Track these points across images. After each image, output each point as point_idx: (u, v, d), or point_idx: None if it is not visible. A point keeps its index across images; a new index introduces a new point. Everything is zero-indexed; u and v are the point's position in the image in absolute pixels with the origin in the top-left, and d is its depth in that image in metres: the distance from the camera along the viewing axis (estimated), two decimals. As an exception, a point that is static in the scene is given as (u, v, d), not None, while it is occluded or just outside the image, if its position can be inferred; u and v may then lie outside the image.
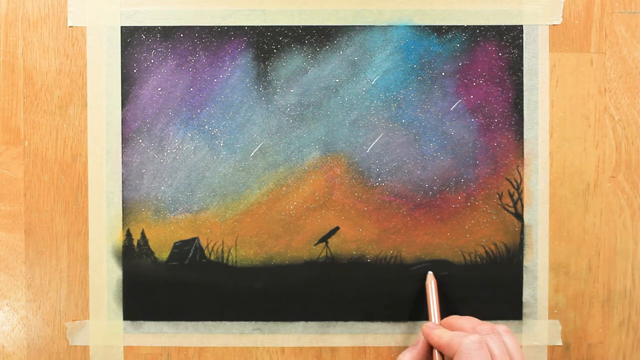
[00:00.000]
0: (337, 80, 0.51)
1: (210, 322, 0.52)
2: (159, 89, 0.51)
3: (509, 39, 0.51)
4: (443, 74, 0.51)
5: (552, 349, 0.51)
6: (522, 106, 0.51)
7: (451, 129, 0.51)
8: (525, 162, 0.51)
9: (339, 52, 0.51)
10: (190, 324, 0.52)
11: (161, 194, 0.51)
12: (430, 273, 0.50)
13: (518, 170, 0.51)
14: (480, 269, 0.51)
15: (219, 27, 0.51)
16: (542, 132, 0.51)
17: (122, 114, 0.51)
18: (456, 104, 0.51)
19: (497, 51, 0.51)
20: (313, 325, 0.52)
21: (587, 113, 0.51)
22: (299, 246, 0.51)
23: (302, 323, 0.52)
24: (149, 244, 0.51)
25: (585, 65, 0.51)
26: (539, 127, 0.51)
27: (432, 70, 0.51)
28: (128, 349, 0.52)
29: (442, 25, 0.51)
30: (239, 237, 0.51)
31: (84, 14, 0.51)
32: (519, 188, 0.51)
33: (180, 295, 0.51)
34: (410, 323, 0.51)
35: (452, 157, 0.51)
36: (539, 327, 0.51)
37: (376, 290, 0.51)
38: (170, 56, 0.51)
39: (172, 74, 0.51)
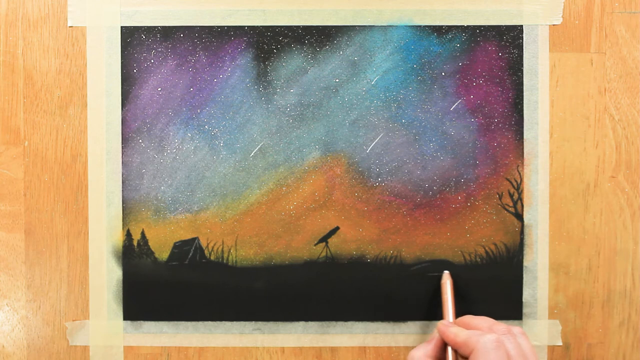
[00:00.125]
0: (337, 80, 0.51)
1: (210, 322, 0.52)
2: (159, 89, 0.51)
3: (509, 39, 0.51)
4: (443, 74, 0.51)
5: (552, 349, 0.51)
6: (522, 106, 0.51)
7: (451, 129, 0.51)
8: (525, 162, 0.51)
9: (339, 52, 0.51)
10: (190, 324, 0.52)
11: (161, 194, 0.51)
12: (446, 272, 0.50)
13: (518, 170, 0.51)
14: (480, 269, 0.51)
15: (219, 27, 0.51)
16: (542, 132, 0.51)
17: (122, 114, 0.51)
18: (456, 104, 0.51)
19: (497, 51, 0.51)
20: (313, 325, 0.52)
21: (587, 113, 0.51)
22: (299, 246, 0.51)
23: (302, 323, 0.52)
24: (149, 244, 0.51)
25: (585, 65, 0.51)
26: (539, 127, 0.51)
27: (432, 70, 0.51)
28: (128, 349, 0.52)
29: (442, 25, 0.51)
30: (239, 237, 0.51)
31: (84, 14, 0.51)
32: (519, 188, 0.51)
33: (180, 295, 0.51)
34: (410, 323, 0.51)
35: (452, 157, 0.51)
36: (539, 327, 0.51)
37: (376, 290, 0.51)
38: (170, 56, 0.51)
39: (172, 74, 0.51)
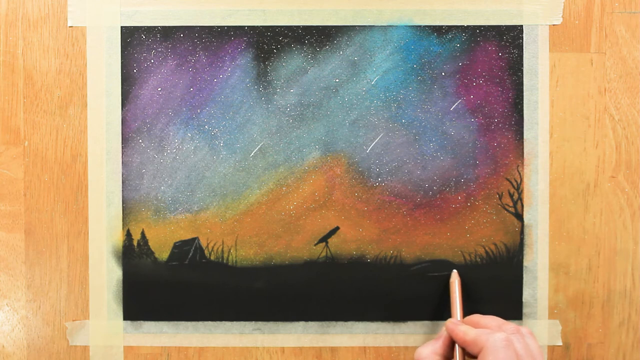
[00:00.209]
0: (337, 80, 0.51)
1: (210, 322, 0.52)
2: (159, 89, 0.51)
3: (509, 39, 0.51)
4: (443, 74, 0.51)
5: (552, 349, 0.51)
6: (522, 106, 0.51)
7: (451, 129, 0.51)
8: (525, 162, 0.51)
9: (339, 52, 0.51)
10: (190, 324, 0.52)
11: (161, 194, 0.51)
12: (455, 271, 0.50)
13: (518, 170, 0.51)
14: (480, 269, 0.51)
15: (219, 27, 0.51)
16: (542, 132, 0.51)
17: (122, 114, 0.51)
18: (456, 104, 0.51)
19: (497, 51, 0.51)
20: (313, 325, 0.52)
21: (587, 113, 0.51)
22: (299, 246, 0.51)
23: (302, 323, 0.52)
24: (149, 244, 0.51)
25: (585, 65, 0.51)
26: (539, 127, 0.51)
27: (432, 70, 0.51)
28: (128, 349, 0.52)
29: (442, 25, 0.51)
30: (239, 237, 0.51)
31: (84, 14, 0.51)
32: (519, 188, 0.51)
33: (180, 295, 0.51)
34: (410, 323, 0.51)
35: (452, 157, 0.51)
36: (539, 327, 0.51)
37: (376, 290, 0.51)
38: (170, 56, 0.51)
39: (172, 74, 0.51)
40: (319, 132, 0.51)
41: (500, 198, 0.51)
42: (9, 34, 0.51)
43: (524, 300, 0.51)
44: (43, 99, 0.51)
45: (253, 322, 0.52)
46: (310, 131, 0.51)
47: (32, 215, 0.52)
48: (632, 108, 0.51)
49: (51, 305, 0.52)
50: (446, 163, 0.51)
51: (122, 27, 0.51)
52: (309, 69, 0.51)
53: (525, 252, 0.51)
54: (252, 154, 0.51)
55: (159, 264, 0.51)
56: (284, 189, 0.51)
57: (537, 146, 0.51)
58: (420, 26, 0.51)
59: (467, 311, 0.49)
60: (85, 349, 0.52)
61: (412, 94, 0.51)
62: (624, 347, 0.51)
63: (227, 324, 0.52)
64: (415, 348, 0.49)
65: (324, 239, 0.51)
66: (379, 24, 0.51)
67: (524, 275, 0.51)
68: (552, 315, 0.51)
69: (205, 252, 0.51)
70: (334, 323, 0.52)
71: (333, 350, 0.52)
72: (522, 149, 0.51)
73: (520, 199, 0.51)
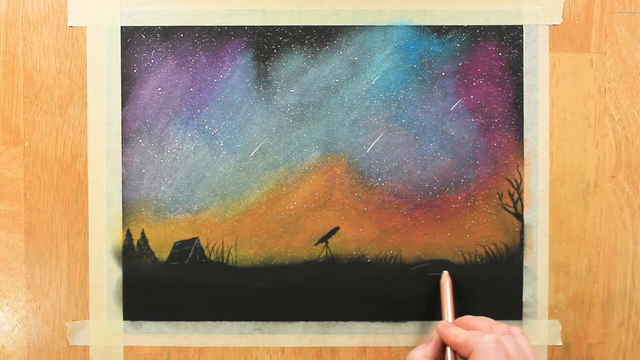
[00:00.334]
0: (337, 80, 0.51)
1: (210, 322, 0.52)
2: (159, 89, 0.51)
3: (509, 39, 0.51)
4: (443, 74, 0.51)
5: (552, 349, 0.51)
6: (522, 106, 0.51)
7: (451, 129, 0.51)
8: (525, 162, 0.51)
9: (339, 52, 0.51)
10: (190, 324, 0.52)
11: (161, 194, 0.51)
12: (445, 272, 0.50)
13: (518, 170, 0.51)
14: (480, 269, 0.51)
15: (219, 27, 0.51)
16: (542, 132, 0.51)
17: (122, 114, 0.51)
18: (456, 104, 0.51)
19: (497, 51, 0.51)
20: (313, 325, 0.52)
21: (587, 113, 0.51)
22: (299, 246, 0.51)
23: (302, 323, 0.52)
24: (149, 244, 0.51)
25: (585, 65, 0.51)
26: (539, 127, 0.51)
27: (432, 70, 0.51)
28: (128, 349, 0.52)
29: (442, 25, 0.51)
30: (239, 237, 0.51)
31: (84, 14, 0.51)
32: (519, 188, 0.51)
33: (180, 295, 0.51)
34: (410, 323, 0.51)
35: (452, 157, 0.51)
36: (539, 327, 0.51)
37: (376, 290, 0.51)
38: (170, 56, 0.51)
39: (172, 74, 0.51)
40: (319, 132, 0.51)
41: (500, 198, 0.51)
42: (9, 34, 0.51)
43: (524, 300, 0.51)
44: (43, 99, 0.51)
45: (253, 322, 0.52)
46: (310, 131, 0.51)
47: (32, 215, 0.52)
48: (632, 108, 0.51)
49: (51, 305, 0.52)
50: (446, 163, 0.51)
51: (122, 27, 0.51)
52: (309, 69, 0.51)
53: (525, 252, 0.51)
54: (252, 154, 0.51)
55: (159, 264, 0.51)
56: (284, 189, 0.51)
57: (537, 146, 0.51)
58: (420, 26, 0.51)
59: (467, 311, 0.49)
60: (85, 349, 0.52)
61: (412, 94, 0.51)
62: (624, 347, 0.51)
63: (227, 324, 0.52)
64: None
65: (324, 239, 0.51)
66: (379, 24, 0.51)
67: (524, 275, 0.51)
68: (552, 315, 0.51)
69: (205, 252, 0.51)
70: (334, 323, 0.52)
71: (333, 350, 0.52)
72: (522, 149, 0.51)
73: (520, 199, 0.51)
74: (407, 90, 0.51)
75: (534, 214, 0.51)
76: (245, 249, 0.51)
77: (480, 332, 0.44)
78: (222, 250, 0.51)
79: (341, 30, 0.51)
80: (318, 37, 0.51)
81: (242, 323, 0.52)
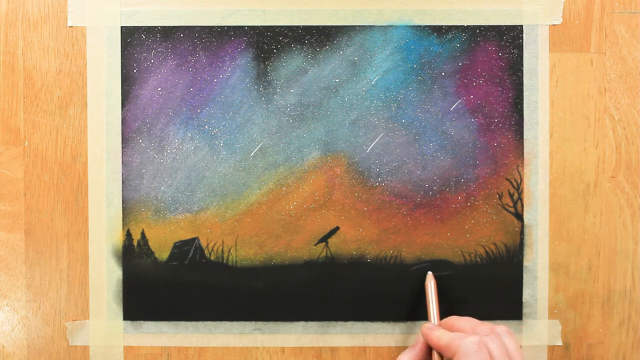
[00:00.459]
0: (337, 80, 0.51)
1: (210, 322, 0.52)
2: (159, 89, 0.51)
3: (509, 39, 0.51)
4: (443, 74, 0.51)
5: (552, 349, 0.51)
6: (522, 106, 0.51)
7: (451, 129, 0.51)
8: (525, 162, 0.51)
9: (339, 52, 0.51)
10: (190, 324, 0.52)
11: (161, 194, 0.51)
12: (429, 273, 0.50)
13: (518, 170, 0.51)
14: (480, 269, 0.51)
15: (219, 27, 0.51)
16: (542, 132, 0.51)
17: (122, 114, 0.51)
18: (456, 104, 0.51)
19: (497, 51, 0.51)
20: (313, 325, 0.52)
21: (587, 113, 0.51)
22: (299, 246, 0.51)
23: (302, 323, 0.52)
24: (149, 244, 0.51)
25: (585, 65, 0.51)
26: (539, 127, 0.51)
27: (432, 70, 0.51)
28: (128, 349, 0.52)
29: (442, 25, 0.51)
30: (239, 237, 0.51)
31: (84, 14, 0.51)
32: (519, 188, 0.51)
33: (180, 295, 0.51)
34: (410, 323, 0.51)
35: (452, 157, 0.51)
36: (539, 327, 0.51)
37: (376, 290, 0.51)
38: (170, 56, 0.51)
39: (172, 74, 0.51)
40: (319, 132, 0.51)
41: (500, 198, 0.51)
42: (9, 34, 0.51)
43: (524, 300, 0.51)
44: (43, 99, 0.51)
45: (253, 322, 0.52)
46: (310, 131, 0.51)
47: (32, 215, 0.52)
48: (632, 108, 0.51)
49: (51, 305, 0.52)
50: (446, 163, 0.51)
51: (122, 27, 0.51)
52: (309, 69, 0.51)
53: (525, 252, 0.51)
54: (252, 154, 0.51)
55: (159, 264, 0.51)
56: (284, 189, 0.51)
57: (537, 146, 0.51)
58: (420, 26, 0.51)
59: (467, 311, 0.49)
60: (85, 349, 0.52)
61: (412, 94, 0.51)
62: (624, 347, 0.51)
63: (227, 324, 0.52)
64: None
65: (324, 239, 0.51)
66: (379, 24, 0.51)
67: (524, 275, 0.51)
68: (552, 315, 0.51)
69: (205, 252, 0.51)
70: (334, 323, 0.52)
71: (333, 350, 0.52)
72: (522, 149, 0.51)
73: (520, 199, 0.51)
74: (407, 90, 0.51)
75: (534, 214, 0.51)
76: (245, 249, 0.51)
77: (463, 334, 0.43)
78: (222, 250, 0.51)
79: (341, 30, 0.51)
80: (318, 37, 0.51)
81: (242, 323, 0.52)
